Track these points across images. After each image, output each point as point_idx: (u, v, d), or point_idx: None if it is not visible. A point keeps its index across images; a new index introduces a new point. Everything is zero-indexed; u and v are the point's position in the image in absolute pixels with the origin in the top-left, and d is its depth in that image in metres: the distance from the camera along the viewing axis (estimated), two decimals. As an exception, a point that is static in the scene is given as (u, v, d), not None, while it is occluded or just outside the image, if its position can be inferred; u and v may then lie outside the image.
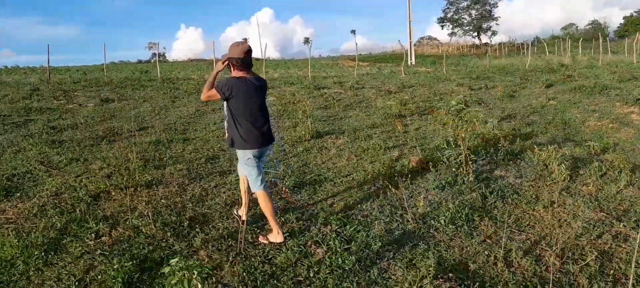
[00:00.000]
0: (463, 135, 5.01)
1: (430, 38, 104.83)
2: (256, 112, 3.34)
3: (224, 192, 4.76)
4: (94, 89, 14.61)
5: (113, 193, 4.66)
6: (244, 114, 3.29)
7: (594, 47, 35.63)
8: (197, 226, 3.90)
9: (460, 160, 5.07)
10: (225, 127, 3.49)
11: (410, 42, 34.45)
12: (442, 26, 68.42)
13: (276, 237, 3.50)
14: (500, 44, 54.05)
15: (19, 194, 4.66)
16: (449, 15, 67.35)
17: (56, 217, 4.04)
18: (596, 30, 61.18)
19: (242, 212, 3.88)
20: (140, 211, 4.19)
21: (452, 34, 67.14)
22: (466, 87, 14.18)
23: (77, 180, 5.10)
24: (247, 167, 3.44)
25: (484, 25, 64.86)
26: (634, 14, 65.97)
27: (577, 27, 68.76)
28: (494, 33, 65.42)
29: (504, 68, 21.38)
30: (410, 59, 33.10)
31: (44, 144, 6.71)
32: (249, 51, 3.29)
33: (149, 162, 5.82)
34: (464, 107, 5.01)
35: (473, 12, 65.28)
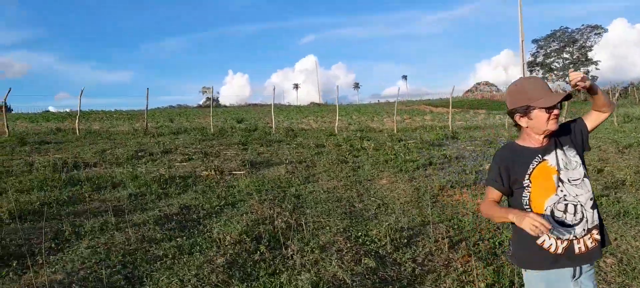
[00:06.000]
0: None
1: (487, 83, 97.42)
2: None
3: None
4: (214, 145, 11.17)
5: None
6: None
7: None
8: None
9: None
10: (513, 246, 1.89)
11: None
12: (531, 71, 62.16)
13: None
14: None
15: None
16: (538, 60, 60.77)
17: None
18: None
19: None
20: None
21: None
22: None
23: None
24: None
25: (581, 70, 57.83)
26: None
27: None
28: (594, 78, 56.94)
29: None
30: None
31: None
32: None
33: None
34: None
35: (566, 55, 58.88)
